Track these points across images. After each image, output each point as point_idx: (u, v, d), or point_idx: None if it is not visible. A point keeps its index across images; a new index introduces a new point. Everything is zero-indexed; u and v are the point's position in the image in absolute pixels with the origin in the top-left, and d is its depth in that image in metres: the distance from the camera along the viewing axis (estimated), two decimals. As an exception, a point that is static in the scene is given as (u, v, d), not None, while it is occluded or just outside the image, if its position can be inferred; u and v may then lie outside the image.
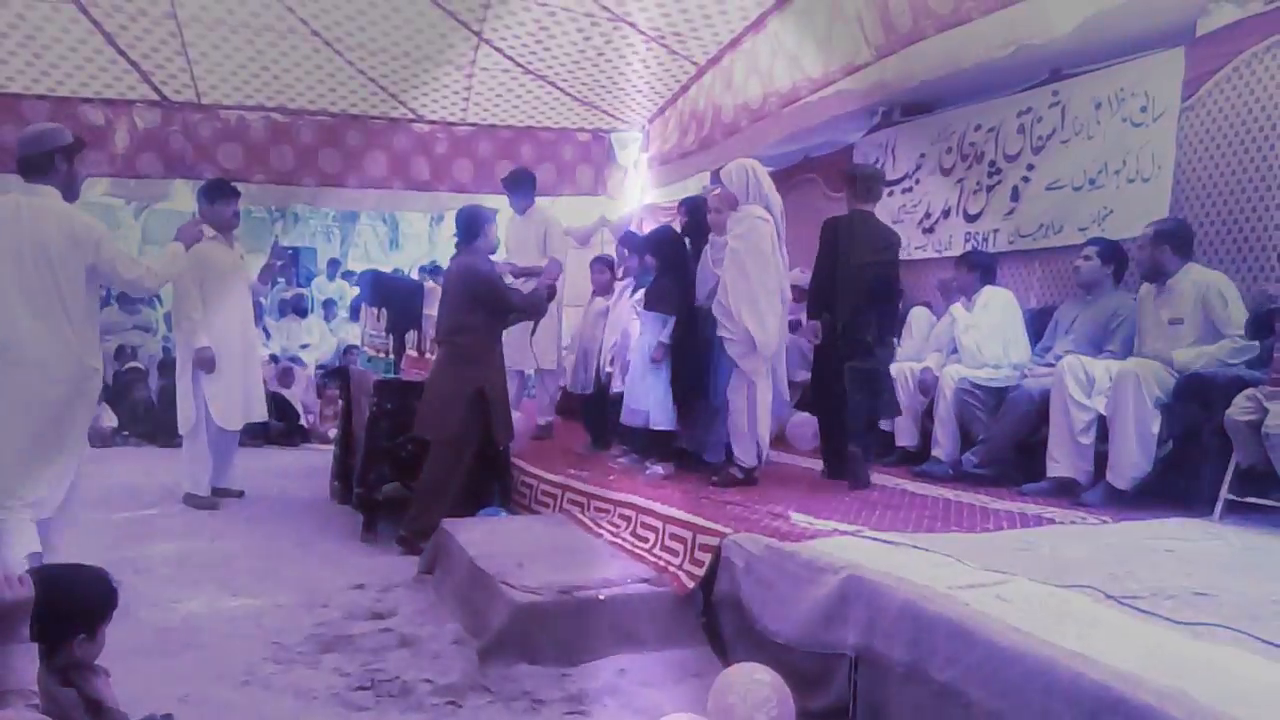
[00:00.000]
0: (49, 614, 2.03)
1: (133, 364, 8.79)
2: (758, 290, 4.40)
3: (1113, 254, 4.53)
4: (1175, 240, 4.14)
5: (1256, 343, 3.86)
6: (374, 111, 8.14)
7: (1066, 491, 4.08)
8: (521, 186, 6.24)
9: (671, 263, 4.84)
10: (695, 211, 5.02)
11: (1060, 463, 4.14)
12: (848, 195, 4.77)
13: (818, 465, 4.97)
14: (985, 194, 5.81)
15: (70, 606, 2.11)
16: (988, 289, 5.01)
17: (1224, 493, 3.57)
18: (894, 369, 5.12)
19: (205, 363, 5.33)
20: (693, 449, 4.94)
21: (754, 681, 2.58)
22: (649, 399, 4.70)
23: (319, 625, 3.48)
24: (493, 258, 5.08)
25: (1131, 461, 3.87)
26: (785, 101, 6.06)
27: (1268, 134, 4.29)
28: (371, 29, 6.89)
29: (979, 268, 5.09)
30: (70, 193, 3.69)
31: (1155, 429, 3.87)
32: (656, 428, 4.72)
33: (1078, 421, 4.08)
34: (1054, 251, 5.36)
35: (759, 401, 4.48)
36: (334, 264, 13.61)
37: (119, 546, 4.41)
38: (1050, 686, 1.97)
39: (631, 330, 5.21)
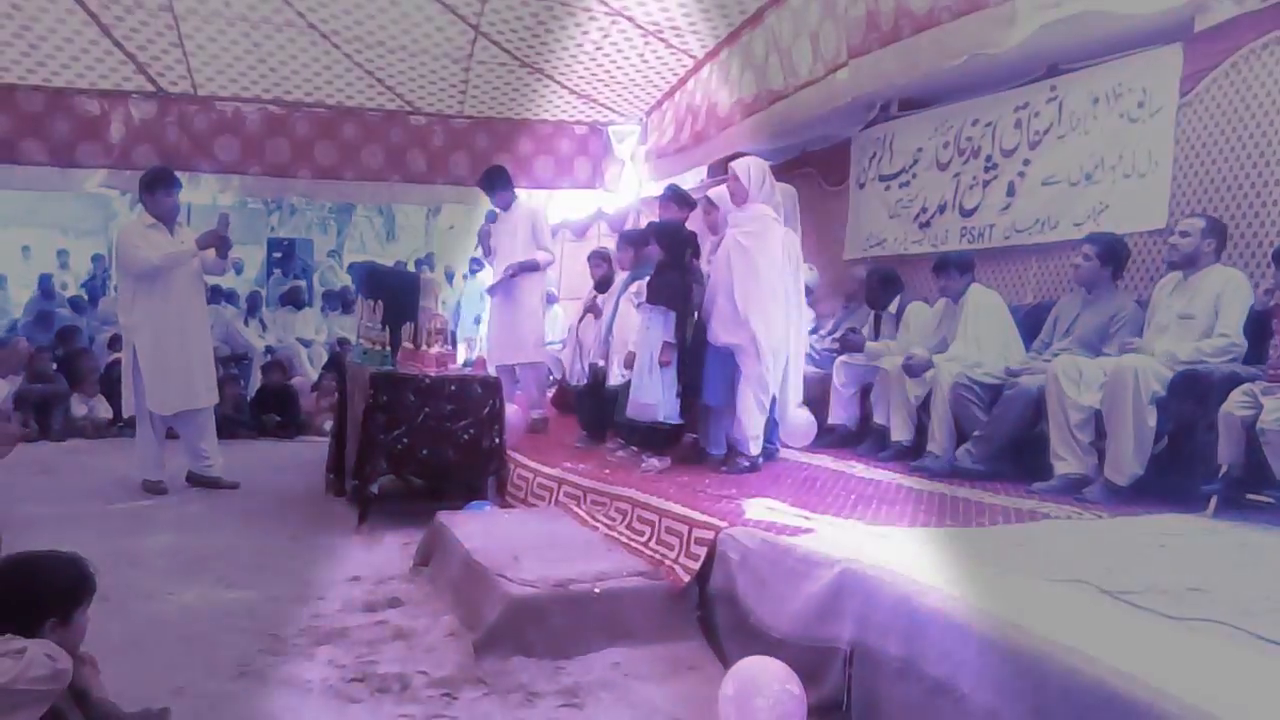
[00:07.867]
0: (14, 600, 2.04)
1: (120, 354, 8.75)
2: (765, 290, 4.38)
3: (1111, 252, 4.49)
4: (1220, 237, 4.15)
5: (1245, 343, 3.88)
6: (370, 104, 8.13)
7: (1076, 489, 4.03)
8: (497, 184, 6.26)
9: (677, 255, 4.81)
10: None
11: (1066, 460, 4.11)
12: None
13: (815, 459, 5.00)
14: (982, 189, 5.80)
15: (36, 592, 2.10)
16: (973, 288, 4.97)
17: (1218, 488, 3.58)
18: (886, 364, 5.12)
19: (130, 346, 5.45)
20: (699, 442, 4.96)
21: (768, 675, 2.58)
22: (657, 393, 4.68)
23: (314, 618, 3.47)
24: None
25: (1129, 458, 3.86)
26: (777, 96, 6.05)
27: (1265, 130, 4.29)
28: (368, 22, 6.88)
29: (956, 268, 5.04)
30: None
31: (1152, 424, 3.86)
32: (665, 421, 4.72)
33: (1072, 418, 4.08)
34: (1050, 247, 5.35)
35: (752, 396, 4.49)
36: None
37: (113, 538, 4.39)
38: (1044, 682, 1.98)
39: (628, 323, 5.20)
